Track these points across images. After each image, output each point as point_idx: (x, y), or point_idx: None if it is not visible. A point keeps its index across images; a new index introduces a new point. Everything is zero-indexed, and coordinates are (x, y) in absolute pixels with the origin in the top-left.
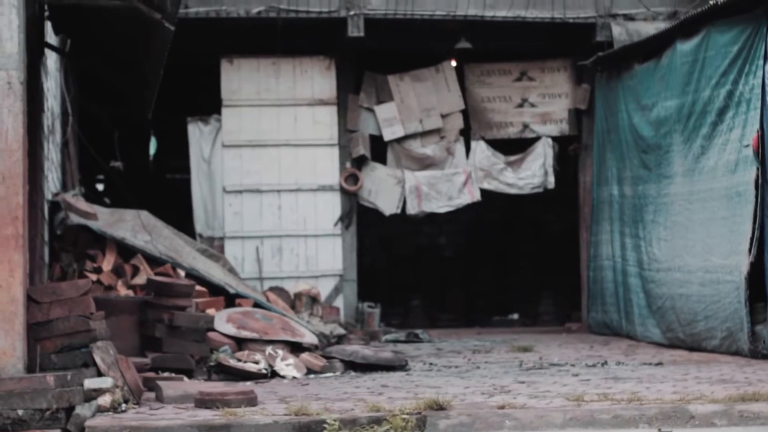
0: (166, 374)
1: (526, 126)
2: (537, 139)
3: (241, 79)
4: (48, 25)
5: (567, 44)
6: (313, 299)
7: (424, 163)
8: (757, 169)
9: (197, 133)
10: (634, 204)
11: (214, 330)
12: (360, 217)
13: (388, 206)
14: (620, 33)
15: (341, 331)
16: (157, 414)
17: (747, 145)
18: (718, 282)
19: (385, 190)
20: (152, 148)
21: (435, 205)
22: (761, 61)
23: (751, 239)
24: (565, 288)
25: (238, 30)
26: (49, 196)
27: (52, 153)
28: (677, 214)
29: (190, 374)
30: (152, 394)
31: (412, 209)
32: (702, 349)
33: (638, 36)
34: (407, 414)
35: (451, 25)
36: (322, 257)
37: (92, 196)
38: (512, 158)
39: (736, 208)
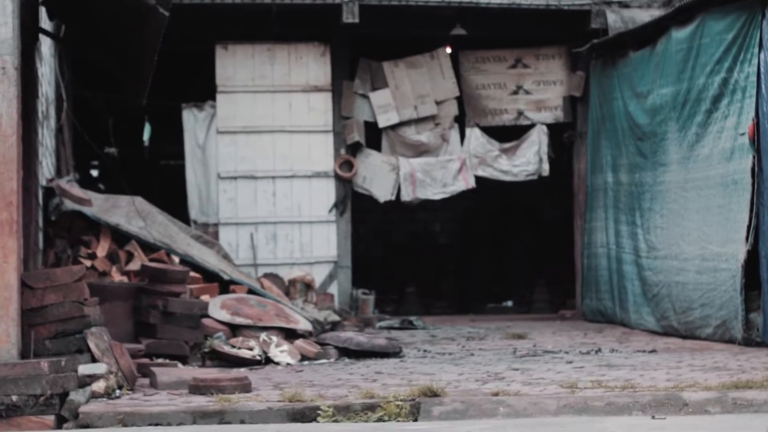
0: (160, 360)
1: (520, 113)
2: (531, 126)
3: (235, 65)
4: (42, 11)
5: (562, 31)
6: (308, 286)
7: (419, 150)
8: (754, 157)
9: (192, 120)
10: (631, 191)
11: (208, 316)
12: (354, 204)
13: (383, 193)
14: (615, 20)
15: (335, 317)
16: (151, 400)
17: (743, 133)
18: (715, 270)
19: (380, 176)
20: (146, 134)
21: (429, 192)
22: (756, 49)
23: (748, 227)
24: (559, 275)
25: (233, 16)
26: (43, 181)
27: (46, 139)
28: (673, 202)
29: (185, 360)
30: (146, 381)
31: (406, 196)
32: (696, 337)
33: (633, 23)
34: (401, 401)
35: (446, 11)
36: (317, 244)
37: (86, 182)
38: (507, 145)
39: (732, 196)
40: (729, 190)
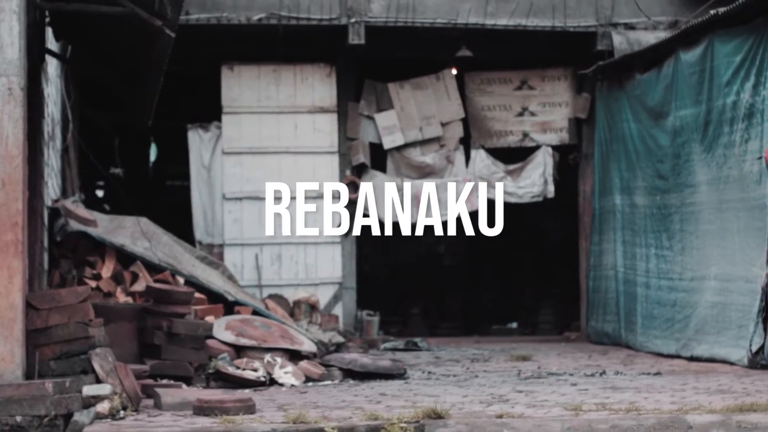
0: (164, 381)
1: (526, 135)
2: (537, 148)
3: (241, 86)
4: (49, 31)
5: (567, 53)
6: (312, 307)
7: (424, 172)
8: None
9: (197, 140)
10: (652, 214)
11: (212, 337)
12: None
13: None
14: (621, 42)
15: (340, 339)
16: (155, 421)
17: (759, 158)
18: (751, 292)
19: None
20: (152, 154)
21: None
22: None
23: None
24: (564, 297)
25: (238, 37)
26: (48, 202)
27: (52, 159)
28: (709, 223)
29: (189, 381)
30: (151, 401)
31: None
32: (702, 360)
33: (639, 45)
34: (405, 423)
35: (452, 33)
36: (322, 265)
37: (92, 203)
38: (512, 167)
39: (763, 219)
40: (764, 213)
